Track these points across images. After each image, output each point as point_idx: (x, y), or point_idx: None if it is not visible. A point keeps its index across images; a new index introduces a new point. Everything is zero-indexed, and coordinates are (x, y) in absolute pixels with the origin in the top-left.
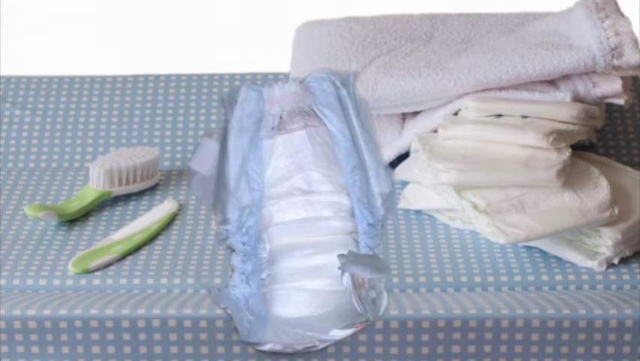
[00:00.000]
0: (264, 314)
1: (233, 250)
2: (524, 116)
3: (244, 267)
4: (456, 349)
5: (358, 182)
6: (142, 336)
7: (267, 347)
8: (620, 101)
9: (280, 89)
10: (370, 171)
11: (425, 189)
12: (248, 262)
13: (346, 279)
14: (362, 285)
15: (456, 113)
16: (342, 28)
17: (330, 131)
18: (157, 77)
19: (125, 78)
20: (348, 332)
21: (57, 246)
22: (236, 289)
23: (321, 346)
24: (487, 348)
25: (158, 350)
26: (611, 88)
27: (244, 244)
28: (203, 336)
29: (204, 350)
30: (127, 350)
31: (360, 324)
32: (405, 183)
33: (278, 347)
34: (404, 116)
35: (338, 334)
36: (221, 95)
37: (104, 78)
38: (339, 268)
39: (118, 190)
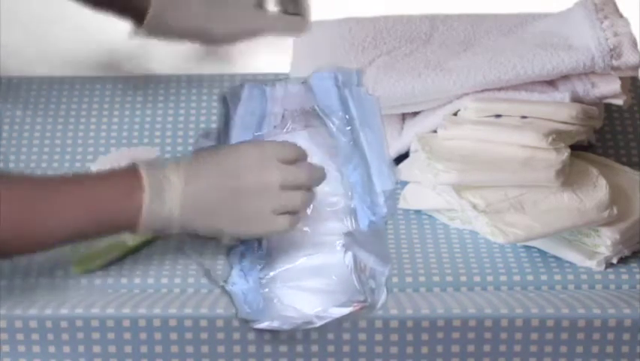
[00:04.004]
0: (262, 307)
1: (232, 248)
2: (523, 117)
3: (242, 264)
4: (455, 348)
5: (360, 180)
6: (143, 335)
7: (264, 325)
8: (619, 102)
9: (283, 89)
10: (372, 169)
11: (425, 189)
12: (245, 259)
13: (349, 258)
14: (363, 270)
15: (455, 114)
16: (342, 28)
17: (331, 130)
18: (157, 77)
19: (125, 78)
20: (347, 310)
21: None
22: (235, 286)
23: (319, 323)
24: (487, 347)
25: (158, 349)
26: (609, 88)
27: (243, 241)
28: (204, 335)
29: (205, 349)
30: (128, 349)
31: (358, 303)
32: (405, 183)
33: (275, 324)
34: (404, 117)
35: (336, 312)
36: (222, 92)
37: (104, 78)
38: (343, 245)
39: None
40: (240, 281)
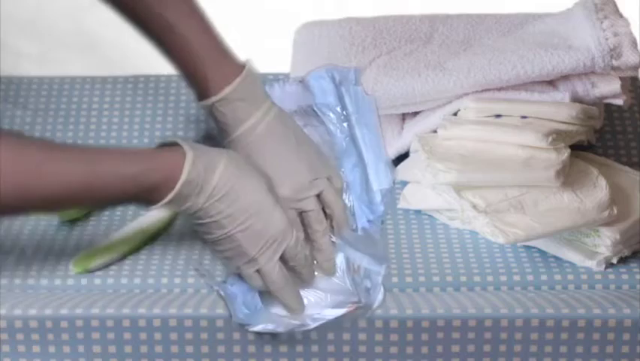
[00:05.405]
0: (259, 308)
1: None
2: (523, 117)
3: None
4: (455, 348)
5: (358, 179)
6: (143, 335)
7: (259, 328)
8: (619, 102)
9: (281, 89)
10: (369, 168)
11: (425, 189)
12: None
13: (340, 259)
14: (356, 271)
15: (455, 114)
16: (342, 28)
17: (329, 129)
18: (157, 77)
19: (125, 78)
20: (341, 311)
21: (58, 246)
22: (233, 286)
23: (313, 325)
24: (487, 347)
25: (158, 349)
26: (609, 88)
27: None
28: (204, 336)
29: (205, 349)
30: (128, 349)
31: (352, 305)
32: (405, 183)
33: (270, 327)
34: (404, 117)
35: (330, 313)
36: None
37: (104, 78)
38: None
39: None
40: (238, 282)
